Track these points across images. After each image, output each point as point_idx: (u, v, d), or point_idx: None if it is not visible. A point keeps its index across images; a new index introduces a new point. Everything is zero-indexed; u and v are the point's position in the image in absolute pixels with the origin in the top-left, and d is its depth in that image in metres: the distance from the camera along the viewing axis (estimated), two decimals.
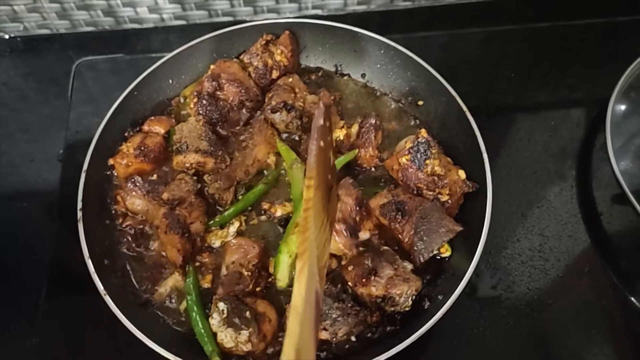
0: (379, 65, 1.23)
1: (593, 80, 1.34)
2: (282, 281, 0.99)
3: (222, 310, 0.90)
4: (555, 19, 1.43)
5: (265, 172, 1.13)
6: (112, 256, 1.02)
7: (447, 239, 0.98)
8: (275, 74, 1.19)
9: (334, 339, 0.90)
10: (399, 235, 1.00)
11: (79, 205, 0.99)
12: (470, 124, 1.05)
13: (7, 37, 1.44)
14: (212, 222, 1.05)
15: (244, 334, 0.89)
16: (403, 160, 1.03)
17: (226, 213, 1.06)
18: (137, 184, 1.04)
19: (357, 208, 0.97)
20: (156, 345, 0.88)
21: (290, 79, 1.18)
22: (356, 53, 1.24)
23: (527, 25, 1.43)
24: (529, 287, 1.06)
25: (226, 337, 0.90)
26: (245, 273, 0.94)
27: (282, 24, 1.24)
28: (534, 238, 1.11)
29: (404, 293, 0.91)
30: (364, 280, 0.92)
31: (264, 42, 1.20)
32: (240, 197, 1.08)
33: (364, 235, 0.99)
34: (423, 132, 1.04)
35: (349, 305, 0.91)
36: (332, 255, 1.00)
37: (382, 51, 1.20)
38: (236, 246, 0.97)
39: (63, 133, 1.27)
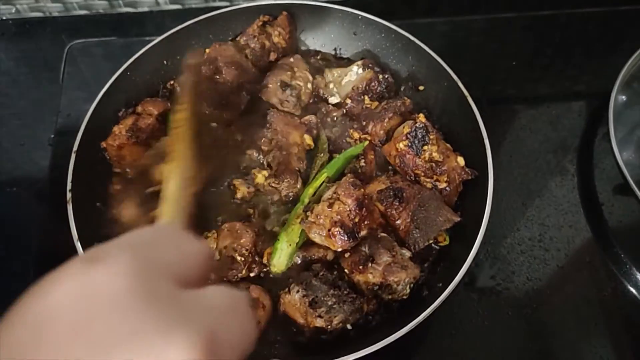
0: (379, 49, 1.20)
1: (595, 69, 1.32)
2: (277, 267, 0.96)
3: None
4: (557, 7, 1.41)
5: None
6: (103, 240, 0.99)
7: (444, 228, 0.95)
8: (272, 56, 1.17)
9: (329, 327, 0.88)
10: (395, 222, 0.98)
11: (69, 186, 0.96)
12: (471, 109, 1.02)
13: None
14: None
15: None
16: (400, 145, 1.01)
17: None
18: None
19: (357, 209, 0.94)
20: None
21: (291, 59, 1.15)
22: (356, 36, 1.22)
23: (529, 13, 1.41)
24: (528, 277, 1.04)
25: None
26: (239, 258, 0.92)
27: (279, 5, 1.21)
28: (534, 227, 1.09)
29: (402, 281, 0.89)
30: (360, 267, 0.90)
31: (260, 23, 1.17)
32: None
33: (363, 233, 0.97)
34: (421, 117, 1.01)
35: (345, 292, 0.89)
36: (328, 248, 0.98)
37: (383, 35, 1.18)
38: (229, 230, 0.95)
39: (54, 117, 1.24)
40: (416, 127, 1.00)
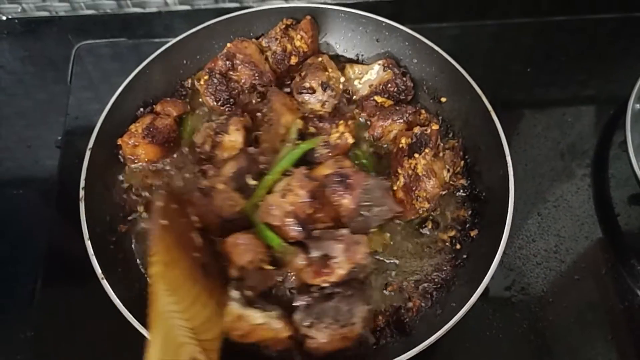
0: (401, 57, 1.17)
1: (608, 76, 1.30)
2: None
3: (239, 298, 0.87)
4: (569, 13, 1.38)
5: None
6: (115, 238, 0.99)
7: (387, 217, 0.96)
8: (293, 60, 1.15)
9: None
10: (339, 208, 0.97)
11: (82, 183, 0.95)
12: (494, 124, 1.00)
13: (4, 18, 1.39)
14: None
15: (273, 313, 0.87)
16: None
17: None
18: None
19: (311, 201, 0.94)
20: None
21: (320, 59, 1.13)
22: (379, 43, 1.19)
23: (541, 19, 1.39)
24: (544, 290, 1.02)
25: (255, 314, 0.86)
26: (267, 267, 0.91)
27: (304, 9, 1.18)
28: (549, 238, 1.07)
29: (365, 256, 0.90)
30: (325, 270, 0.89)
31: (284, 26, 1.15)
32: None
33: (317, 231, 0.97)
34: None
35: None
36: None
37: (407, 43, 1.15)
38: (236, 246, 0.91)
39: (61, 119, 1.22)
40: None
